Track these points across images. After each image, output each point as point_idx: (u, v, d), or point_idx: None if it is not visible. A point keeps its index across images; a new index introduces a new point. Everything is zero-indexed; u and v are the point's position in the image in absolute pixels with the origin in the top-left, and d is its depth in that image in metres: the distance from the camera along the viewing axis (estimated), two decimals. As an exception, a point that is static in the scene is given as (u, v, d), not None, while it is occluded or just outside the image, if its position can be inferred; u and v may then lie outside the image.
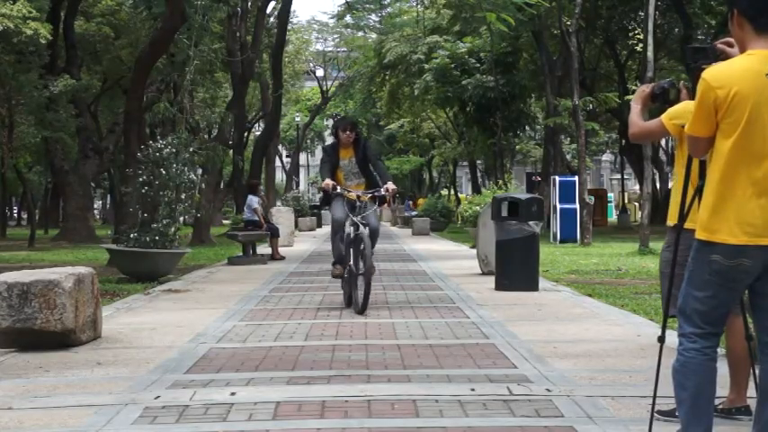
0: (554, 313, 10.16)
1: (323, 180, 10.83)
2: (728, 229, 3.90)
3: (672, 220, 5.30)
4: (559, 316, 9.92)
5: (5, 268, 12.98)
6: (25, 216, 54.48)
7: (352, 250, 10.59)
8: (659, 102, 5.41)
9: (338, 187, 10.71)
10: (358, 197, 10.72)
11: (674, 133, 5.24)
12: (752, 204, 3.88)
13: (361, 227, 10.40)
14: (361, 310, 10.11)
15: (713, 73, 3.97)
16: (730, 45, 4.33)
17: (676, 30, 36.84)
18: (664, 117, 5.26)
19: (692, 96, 5.15)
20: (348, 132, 10.99)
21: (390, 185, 10.69)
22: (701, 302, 4.03)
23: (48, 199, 51.98)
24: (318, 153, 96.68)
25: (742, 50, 4.07)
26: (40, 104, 26.86)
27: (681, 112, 5.21)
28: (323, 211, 51.23)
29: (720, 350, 7.32)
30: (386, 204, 11.82)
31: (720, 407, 5.17)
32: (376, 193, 10.71)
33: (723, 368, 6.50)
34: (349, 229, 10.58)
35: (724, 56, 4.32)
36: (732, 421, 5.09)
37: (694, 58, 4.57)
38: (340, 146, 11.05)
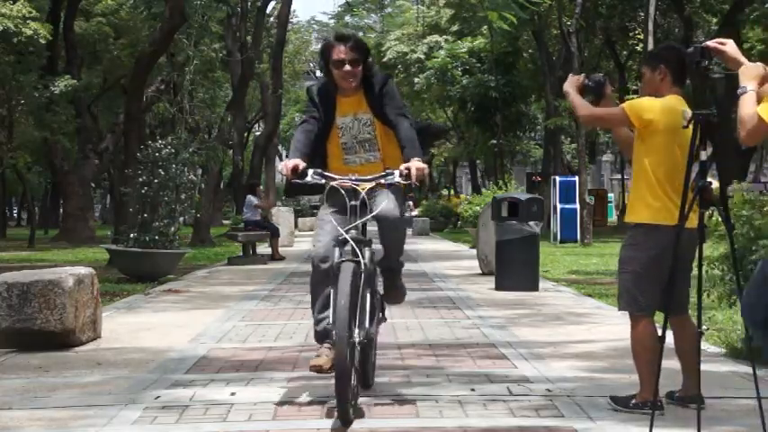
0: (554, 313, 10.16)
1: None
2: None
3: (633, 217, 5.27)
4: (560, 316, 9.92)
5: (5, 268, 12.98)
6: (25, 216, 54.47)
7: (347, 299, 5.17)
8: (591, 95, 5.45)
9: (310, 172, 5.61)
10: (353, 189, 5.64)
11: (638, 126, 5.20)
12: None
13: (365, 254, 5.45)
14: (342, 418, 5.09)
15: None
16: (722, 44, 4.34)
17: (676, 30, 36.81)
18: (629, 110, 5.23)
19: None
20: (348, 67, 5.77)
21: (415, 164, 5.51)
22: None
23: (48, 199, 51.96)
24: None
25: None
26: (40, 105, 26.86)
27: (651, 107, 5.19)
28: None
29: (720, 349, 7.33)
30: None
31: (677, 395, 5.36)
32: (385, 180, 5.64)
33: (725, 366, 6.51)
34: (339, 257, 5.44)
35: (720, 55, 4.32)
36: (730, 419, 5.09)
37: (700, 59, 4.53)
38: (337, 91, 5.93)
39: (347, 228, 5.54)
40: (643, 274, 5.17)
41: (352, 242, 5.45)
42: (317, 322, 5.63)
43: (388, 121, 5.82)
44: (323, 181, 5.69)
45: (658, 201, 5.13)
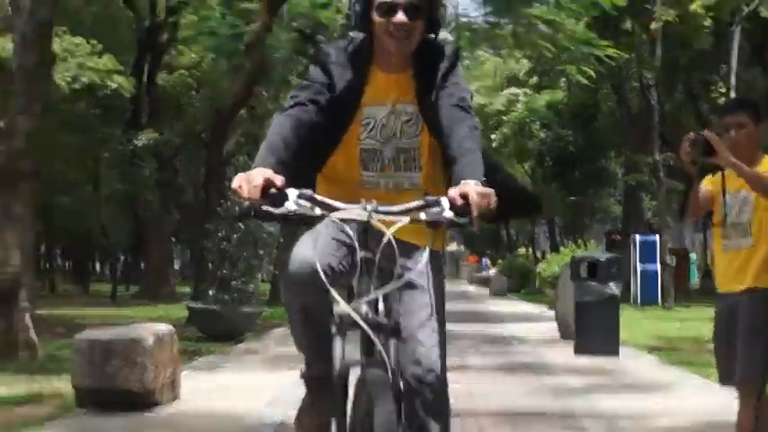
0: (635, 382, 9.92)
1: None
2: None
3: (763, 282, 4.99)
4: (641, 385, 9.68)
5: (88, 325, 13.13)
6: (108, 272, 55.31)
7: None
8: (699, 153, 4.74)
9: (292, 194, 2.91)
10: (363, 223, 2.94)
11: None
12: None
13: (391, 351, 2.90)
14: None
15: None
16: None
17: (759, 82, 36.27)
18: None
19: None
20: (403, 16, 3.19)
21: (475, 189, 2.85)
22: None
23: (129, 254, 52.57)
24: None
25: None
26: (124, 158, 27.36)
27: None
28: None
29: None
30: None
31: None
32: (426, 216, 2.92)
33: None
34: (341, 354, 2.92)
35: None
36: None
37: None
38: (373, 60, 3.35)
39: (357, 301, 2.95)
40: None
41: (366, 328, 2.86)
42: (306, 346, 3.42)
43: (441, 123, 3.27)
44: (317, 212, 2.98)
45: None
